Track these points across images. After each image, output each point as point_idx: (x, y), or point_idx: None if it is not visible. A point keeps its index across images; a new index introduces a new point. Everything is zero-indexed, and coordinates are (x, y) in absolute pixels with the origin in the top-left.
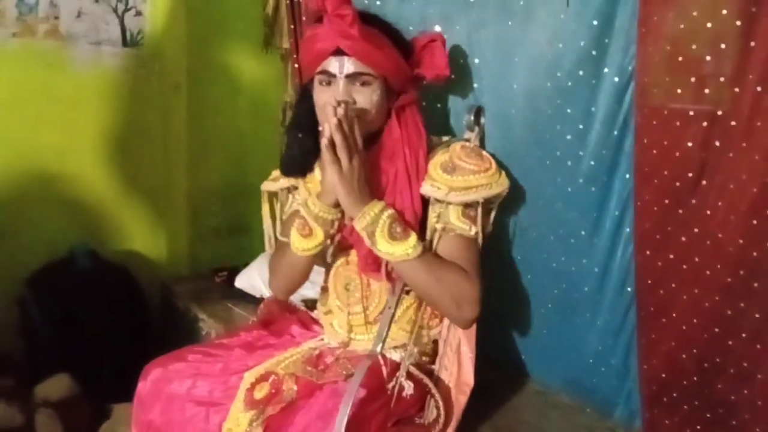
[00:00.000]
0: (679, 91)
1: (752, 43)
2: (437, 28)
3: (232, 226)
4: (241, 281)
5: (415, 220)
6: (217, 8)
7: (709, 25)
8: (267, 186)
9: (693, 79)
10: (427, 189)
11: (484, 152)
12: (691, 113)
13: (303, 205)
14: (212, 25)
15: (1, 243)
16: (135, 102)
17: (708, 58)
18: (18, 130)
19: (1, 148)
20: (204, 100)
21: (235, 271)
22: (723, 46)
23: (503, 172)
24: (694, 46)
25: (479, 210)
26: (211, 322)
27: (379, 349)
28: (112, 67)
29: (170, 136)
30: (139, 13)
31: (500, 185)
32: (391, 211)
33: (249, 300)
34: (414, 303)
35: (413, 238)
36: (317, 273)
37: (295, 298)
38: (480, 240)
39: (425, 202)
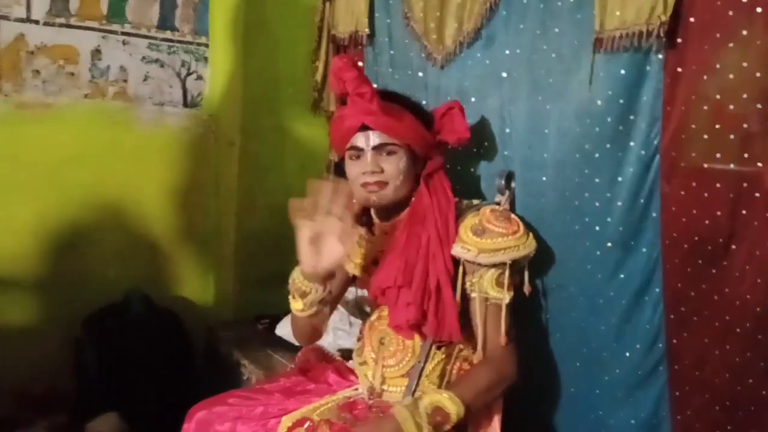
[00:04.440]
0: (705, 165)
1: None
2: (472, 100)
3: (276, 276)
4: (281, 330)
5: (449, 280)
6: (271, 74)
7: (731, 107)
8: None
9: (719, 155)
10: (457, 250)
11: (512, 215)
12: (718, 185)
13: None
14: (266, 89)
15: (62, 285)
16: (192, 158)
17: (732, 136)
18: (85, 181)
19: (68, 198)
20: (255, 157)
21: (276, 319)
22: (745, 125)
23: (531, 234)
24: (718, 126)
25: (506, 272)
26: (253, 368)
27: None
28: (173, 126)
29: (222, 190)
30: (200, 77)
31: (527, 247)
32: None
33: (288, 347)
34: (443, 358)
35: (453, 410)
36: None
37: (331, 348)
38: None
39: (456, 262)
